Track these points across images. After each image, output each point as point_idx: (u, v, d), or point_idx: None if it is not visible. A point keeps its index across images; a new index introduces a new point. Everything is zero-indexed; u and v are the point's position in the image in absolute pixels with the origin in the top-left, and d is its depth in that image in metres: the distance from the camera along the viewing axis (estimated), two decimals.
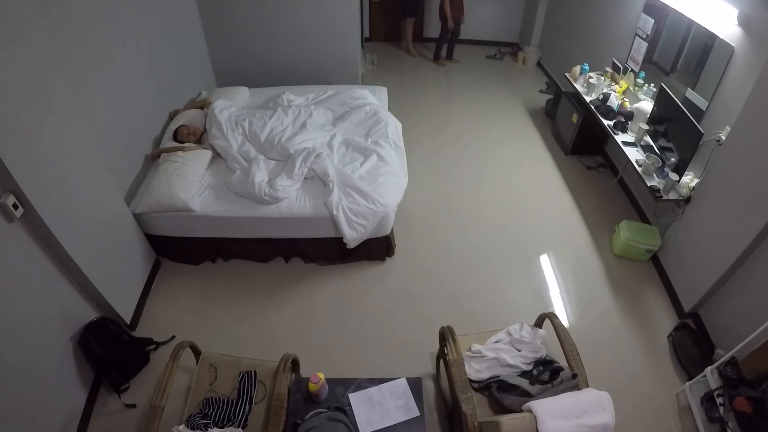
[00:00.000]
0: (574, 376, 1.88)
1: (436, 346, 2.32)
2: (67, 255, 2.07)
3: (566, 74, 4.35)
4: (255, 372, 1.99)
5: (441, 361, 2.35)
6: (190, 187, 2.78)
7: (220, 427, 1.78)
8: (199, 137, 3.25)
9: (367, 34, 6.50)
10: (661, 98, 3.11)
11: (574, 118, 4.04)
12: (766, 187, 2.19)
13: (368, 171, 2.98)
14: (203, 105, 3.55)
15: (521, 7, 6.31)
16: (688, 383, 2.32)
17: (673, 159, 2.92)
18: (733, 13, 2.62)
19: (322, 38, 4.32)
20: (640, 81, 3.63)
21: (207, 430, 1.73)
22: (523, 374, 2.00)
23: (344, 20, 4.23)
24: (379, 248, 3.05)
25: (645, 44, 3.58)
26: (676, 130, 2.91)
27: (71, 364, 2.18)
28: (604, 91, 3.83)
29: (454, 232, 3.38)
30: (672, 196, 2.83)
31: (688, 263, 2.80)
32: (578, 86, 4.09)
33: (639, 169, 3.03)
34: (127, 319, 2.56)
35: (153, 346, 2.53)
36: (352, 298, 2.88)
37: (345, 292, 2.92)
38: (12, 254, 1.85)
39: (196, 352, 2.08)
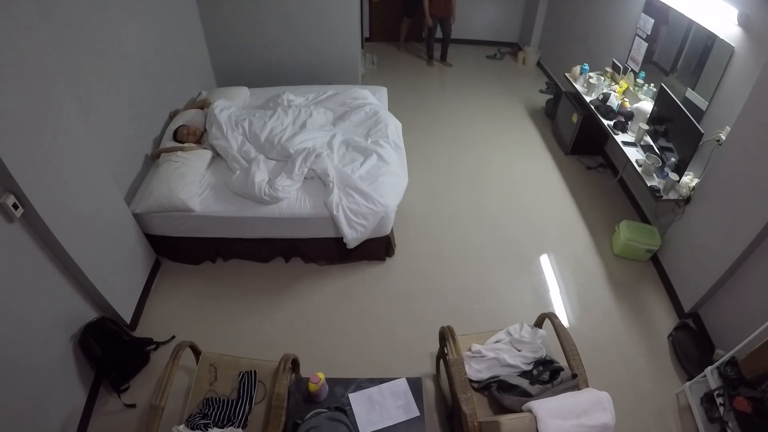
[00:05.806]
0: (574, 376, 1.88)
1: (436, 346, 2.32)
2: (67, 255, 2.07)
3: (566, 74, 4.35)
4: (255, 372, 1.99)
5: (441, 361, 2.35)
6: (190, 187, 2.78)
7: (220, 427, 1.78)
8: (199, 137, 3.25)
9: (367, 34, 6.49)
10: (661, 98, 3.11)
11: (574, 118, 4.03)
12: (766, 187, 2.19)
13: (368, 171, 2.98)
14: (203, 105, 3.55)
15: (521, 7, 6.31)
16: (688, 383, 2.32)
17: (673, 159, 2.92)
18: (733, 13, 2.62)
19: (322, 38, 4.32)
20: (640, 81, 3.62)
21: (207, 430, 1.73)
22: (523, 374, 2.00)
23: (344, 20, 4.23)
24: (379, 248, 3.05)
25: (645, 44, 3.58)
26: (676, 130, 2.91)
27: (71, 364, 2.18)
28: (604, 91, 3.83)
29: (454, 232, 3.38)
30: (672, 196, 2.83)
31: (688, 263, 2.80)
32: (578, 86, 4.09)
33: (639, 169, 3.03)
34: (127, 319, 2.56)
35: (153, 346, 2.53)
36: (352, 298, 2.88)
37: (345, 292, 2.92)
38: (12, 254, 1.85)
39: (196, 352, 2.08)
